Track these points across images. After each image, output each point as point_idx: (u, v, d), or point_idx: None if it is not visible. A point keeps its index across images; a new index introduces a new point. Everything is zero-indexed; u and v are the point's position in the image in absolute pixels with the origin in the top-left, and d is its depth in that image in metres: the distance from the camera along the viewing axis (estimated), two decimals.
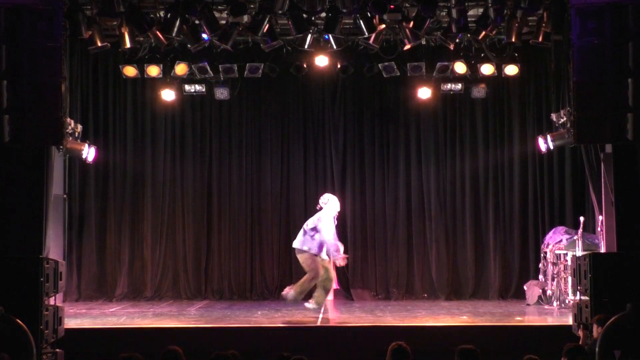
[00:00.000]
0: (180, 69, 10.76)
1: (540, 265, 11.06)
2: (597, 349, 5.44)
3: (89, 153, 10.27)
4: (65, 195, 11.74)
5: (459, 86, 11.27)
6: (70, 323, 8.59)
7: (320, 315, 9.58)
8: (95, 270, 11.98)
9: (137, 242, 12.13)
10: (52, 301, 7.73)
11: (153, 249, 12.08)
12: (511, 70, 10.85)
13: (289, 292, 9.54)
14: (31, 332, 5.81)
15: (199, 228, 12.21)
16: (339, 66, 11.22)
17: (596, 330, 6.22)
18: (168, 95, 11.36)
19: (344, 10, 9.14)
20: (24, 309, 6.77)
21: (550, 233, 11.12)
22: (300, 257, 9.53)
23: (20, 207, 8.20)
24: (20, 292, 7.17)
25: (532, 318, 9.70)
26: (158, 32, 9.48)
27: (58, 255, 10.57)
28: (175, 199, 12.23)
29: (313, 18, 9.64)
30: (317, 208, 9.66)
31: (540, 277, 10.98)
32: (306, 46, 10.34)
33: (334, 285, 11.93)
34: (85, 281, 11.95)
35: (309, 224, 9.53)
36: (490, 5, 9.33)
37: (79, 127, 10.27)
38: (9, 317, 5.82)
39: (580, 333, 6.63)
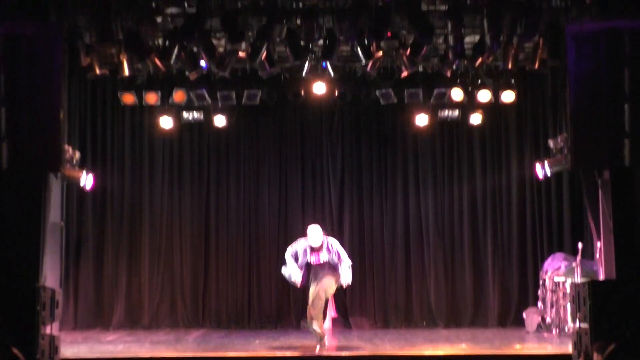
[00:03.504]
0: (179, 96, 10.78)
1: (539, 292, 11.01)
2: None
3: (86, 180, 10.25)
4: (62, 223, 11.70)
5: (456, 113, 11.30)
6: (67, 352, 8.50)
7: (319, 345, 9.50)
8: (92, 298, 11.89)
9: (134, 270, 12.05)
10: (48, 330, 7.67)
11: (150, 276, 12.01)
12: (508, 96, 10.89)
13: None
14: None
15: (197, 255, 12.16)
16: (336, 93, 11.25)
17: (597, 358, 6.17)
18: (166, 122, 11.38)
19: (342, 38, 9.19)
20: (20, 337, 6.72)
21: (549, 260, 11.08)
22: None
23: (17, 234, 8.14)
24: (17, 321, 7.13)
25: (531, 346, 9.63)
26: (156, 60, 9.50)
27: (55, 283, 10.49)
28: (173, 226, 12.19)
29: (311, 45, 9.68)
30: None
31: (539, 304, 10.92)
32: (304, 73, 10.38)
33: (331, 313, 11.88)
34: (82, 309, 11.86)
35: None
36: (486, 31, 9.37)
37: (77, 154, 10.27)
38: (5, 345, 5.76)
39: None
